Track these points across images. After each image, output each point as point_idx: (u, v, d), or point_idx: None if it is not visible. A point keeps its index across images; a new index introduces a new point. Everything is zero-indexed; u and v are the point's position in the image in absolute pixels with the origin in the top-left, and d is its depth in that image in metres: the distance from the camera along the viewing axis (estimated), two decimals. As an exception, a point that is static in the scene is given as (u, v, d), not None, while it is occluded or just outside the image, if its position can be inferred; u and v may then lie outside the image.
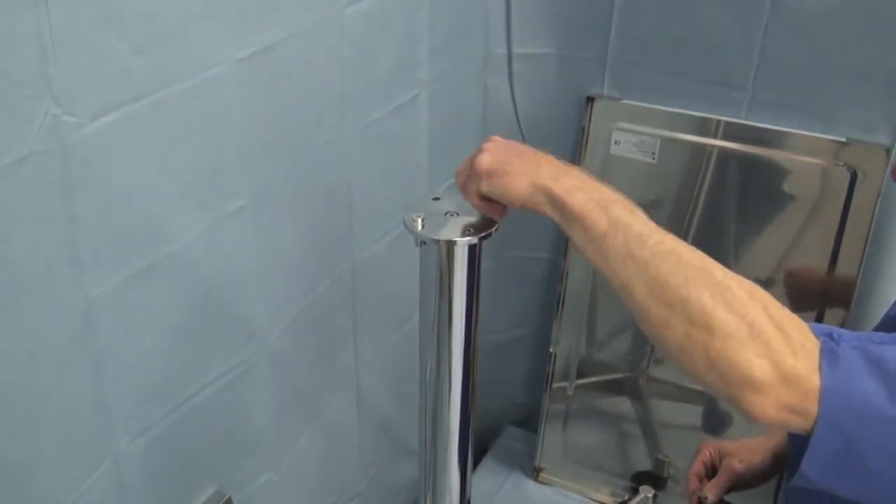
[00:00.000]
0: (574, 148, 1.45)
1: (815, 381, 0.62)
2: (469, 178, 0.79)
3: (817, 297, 1.33)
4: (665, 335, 0.67)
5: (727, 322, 0.64)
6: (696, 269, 0.66)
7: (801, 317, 0.65)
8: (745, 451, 1.04)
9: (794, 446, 0.84)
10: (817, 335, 0.64)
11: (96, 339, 0.78)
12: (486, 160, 0.78)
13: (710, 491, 1.06)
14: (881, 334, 0.65)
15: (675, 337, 0.66)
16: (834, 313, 1.32)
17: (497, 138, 0.81)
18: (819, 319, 1.33)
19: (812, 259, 1.33)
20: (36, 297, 0.70)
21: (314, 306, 1.10)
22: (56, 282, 0.72)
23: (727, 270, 0.67)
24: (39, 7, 0.64)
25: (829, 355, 0.63)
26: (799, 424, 0.64)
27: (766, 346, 0.63)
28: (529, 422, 1.69)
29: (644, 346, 1.49)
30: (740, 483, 1.05)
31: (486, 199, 0.80)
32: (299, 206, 1.03)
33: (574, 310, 1.51)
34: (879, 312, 0.90)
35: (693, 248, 0.69)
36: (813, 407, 0.62)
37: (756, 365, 0.62)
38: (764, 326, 0.63)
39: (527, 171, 0.76)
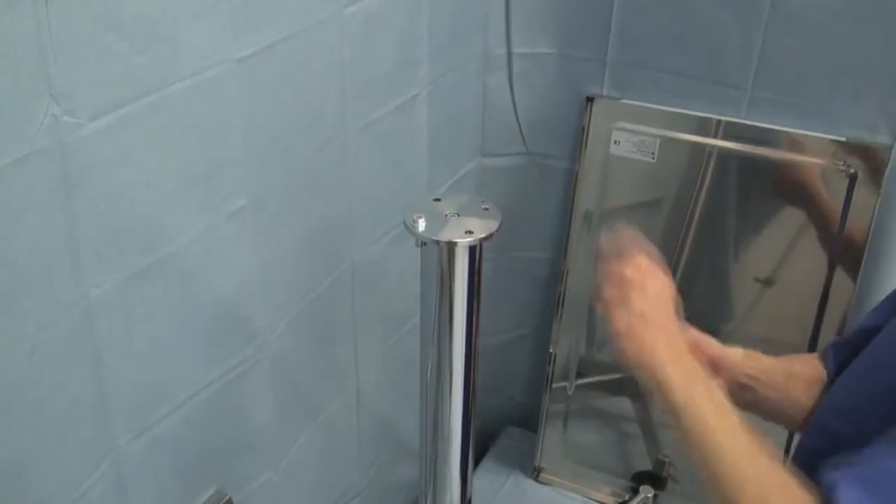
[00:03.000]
0: (574, 148, 1.45)
1: None
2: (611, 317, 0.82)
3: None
4: None
5: None
6: (739, 477, 0.72)
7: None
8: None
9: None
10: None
11: (96, 339, 0.78)
12: (623, 320, 0.80)
13: None
14: (875, 460, 0.68)
15: None
16: (833, 313, 1.32)
17: (641, 265, 0.83)
18: (819, 321, 1.33)
19: (812, 259, 1.32)
20: (36, 296, 0.70)
21: (314, 306, 1.10)
22: (56, 281, 0.72)
23: (773, 464, 0.72)
24: (39, 6, 0.64)
25: None
26: None
27: None
28: (529, 422, 1.69)
29: (644, 346, 1.49)
30: None
31: None
32: (299, 206, 1.02)
33: (574, 310, 1.51)
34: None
35: (752, 440, 0.73)
36: None
37: None
38: None
39: (645, 349, 0.79)
